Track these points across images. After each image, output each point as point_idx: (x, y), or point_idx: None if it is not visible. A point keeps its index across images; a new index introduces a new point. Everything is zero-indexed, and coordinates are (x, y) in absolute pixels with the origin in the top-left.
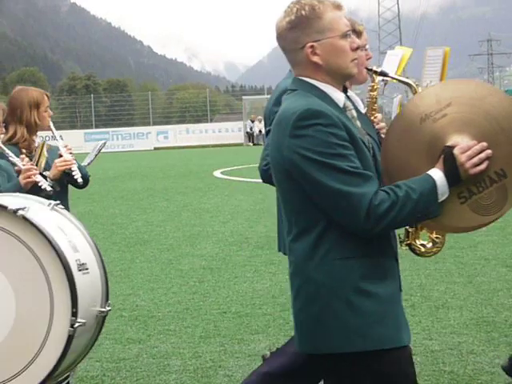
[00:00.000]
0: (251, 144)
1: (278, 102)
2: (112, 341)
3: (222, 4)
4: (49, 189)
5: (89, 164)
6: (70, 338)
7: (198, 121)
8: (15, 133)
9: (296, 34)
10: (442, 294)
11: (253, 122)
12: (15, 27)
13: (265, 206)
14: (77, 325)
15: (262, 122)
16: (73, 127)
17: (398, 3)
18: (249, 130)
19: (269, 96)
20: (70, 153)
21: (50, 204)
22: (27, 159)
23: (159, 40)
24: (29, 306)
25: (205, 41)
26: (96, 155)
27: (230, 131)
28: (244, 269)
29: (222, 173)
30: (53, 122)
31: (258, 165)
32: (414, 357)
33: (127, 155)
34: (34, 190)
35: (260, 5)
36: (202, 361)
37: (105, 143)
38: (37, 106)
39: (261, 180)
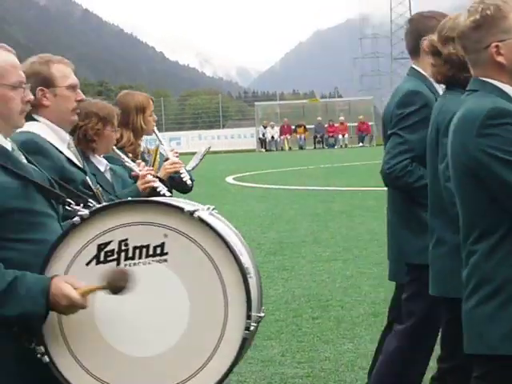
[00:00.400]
0: (264, 150)
1: (401, 104)
2: None
3: (234, 9)
4: (168, 194)
5: (193, 168)
6: (244, 341)
7: (211, 127)
8: (121, 137)
9: (481, 33)
10: None
11: (265, 127)
12: (28, 34)
13: (277, 212)
14: (252, 328)
15: (275, 128)
16: None
17: (410, 9)
18: (261, 135)
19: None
20: (177, 156)
21: (208, 208)
22: (143, 164)
23: (171, 46)
24: (202, 308)
25: (217, 46)
26: (201, 159)
27: (242, 137)
28: None
29: (234, 179)
30: None
31: (270, 171)
32: None
33: None
34: (150, 195)
35: (272, 10)
36: None
37: (209, 148)
38: (143, 110)
39: (274, 186)
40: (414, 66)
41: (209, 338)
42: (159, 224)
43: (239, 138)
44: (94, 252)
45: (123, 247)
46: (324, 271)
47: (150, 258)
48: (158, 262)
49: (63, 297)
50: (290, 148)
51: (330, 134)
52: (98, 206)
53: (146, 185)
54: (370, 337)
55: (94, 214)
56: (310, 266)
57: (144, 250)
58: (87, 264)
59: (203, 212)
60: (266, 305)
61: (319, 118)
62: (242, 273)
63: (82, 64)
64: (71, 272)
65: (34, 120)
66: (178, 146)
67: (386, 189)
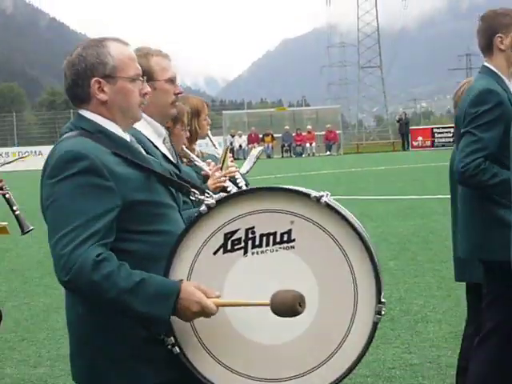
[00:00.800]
0: (231, 158)
1: (474, 103)
2: None
3: (202, 17)
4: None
5: (247, 172)
6: (375, 326)
7: None
8: None
9: None
10: (421, 308)
11: (233, 136)
12: None
13: None
14: (383, 312)
15: (243, 137)
16: (52, 142)
17: (377, 18)
18: (229, 144)
19: (249, 111)
20: (231, 161)
21: (327, 194)
22: (213, 163)
23: None
24: (331, 295)
25: (184, 55)
26: (254, 162)
27: (210, 146)
28: None
29: None
30: (32, 138)
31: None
32: (393, 370)
33: None
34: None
35: (240, 19)
36: None
37: (263, 150)
38: (197, 114)
39: None
40: (486, 63)
41: (338, 324)
42: (285, 211)
43: (207, 146)
44: (221, 241)
45: (250, 235)
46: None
47: (277, 245)
48: (286, 248)
49: (195, 303)
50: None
51: (298, 143)
52: (224, 194)
53: (217, 184)
54: None
55: (221, 202)
56: None
57: (271, 237)
58: (214, 253)
59: (326, 198)
60: None
61: (287, 127)
62: (370, 258)
63: (49, 73)
64: (198, 261)
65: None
66: (4, 161)
67: (352, 197)
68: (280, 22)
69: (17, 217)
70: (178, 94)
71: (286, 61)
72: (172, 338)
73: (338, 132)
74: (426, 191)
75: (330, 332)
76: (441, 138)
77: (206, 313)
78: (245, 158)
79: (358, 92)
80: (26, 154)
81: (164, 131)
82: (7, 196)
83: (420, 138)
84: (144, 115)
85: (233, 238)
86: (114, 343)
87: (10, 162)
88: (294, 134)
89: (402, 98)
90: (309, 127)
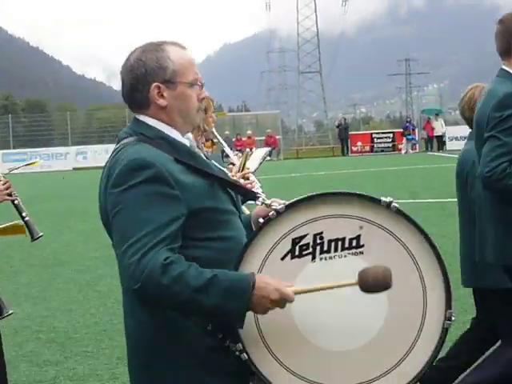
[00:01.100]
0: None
1: (499, 107)
2: (29, 363)
3: (141, 22)
4: (262, 194)
5: (255, 171)
6: (445, 332)
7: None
8: None
9: None
10: None
11: None
12: None
13: None
14: (453, 318)
15: None
16: None
17: (316, 23)
18: (248, 150)
19: None
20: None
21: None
22: (235, 169)
23: (78, 60)
24: (400, 301)
25: (124, 60)
26: (260, 163)
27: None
28: None
29: None
30: None
31: None
32: None
33: (45, 176)
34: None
35: (180, 23)
36: (120, 382)
37: (271, 151)
38: (205, 111)
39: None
40: (504, 67)
41: (406, 332)
42: (354, 216)
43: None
44: (289, 246)
45: (318, 240)
46: None
47: (346, 251)
48: (354, 254)
49: (274, 290)
50: None
51: (238, 148)
52: (293, 200)
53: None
54: None
55: (289, 207)
56: None
57: (339, 242)
58: (282, 258)
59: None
60: None
61: (227, 132)
62: (440, 264)
63: None
64: (266, 266)
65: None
66: (84, 160)
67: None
68: (220, 27)
69: (26, 223)
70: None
71: (226, 66)
72: (240, 344)
73: (277, 137)
74: None
75: (398, 340)
76: (380, 143)
77: (283, 300)
78: None
79: (297, 97)
80: (35, 159)
81: (191, 136)
82: (16, 202)
83: (359, 144)
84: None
85: (301, 244)
86: (179, 352)
87: (18, 168)
88: (234, 139)
89: (341, 103)
90: (249, 132)
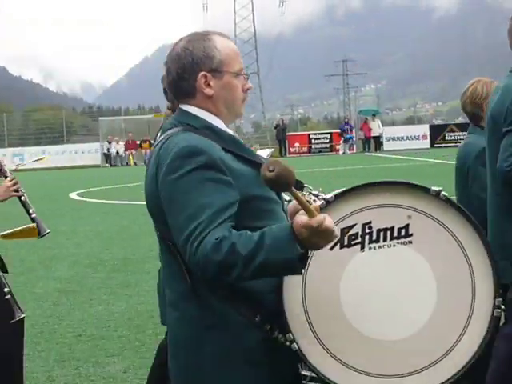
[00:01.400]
0: (108, 165)
1: None
2: None
3: (78, 22)
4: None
5: None
6: (496, 321)
7: (55, 142)
8: None
9: None
10: None
11: (110, 143)
12: None
13: (121, 228)
14: (502, 307)
15: (120, 143)
16: None
17: (253, 24)
18: (106, 151)
19: (126, 117)
20: None
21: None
22: None
23: (14, 61)
24: (449, 290)
25: (60, 61)
26: None
27: (86, 152)
28: (100, 291)
29: (78, 194)
30: None
31: (115, 186)
32: None
33: None
34: None
35: (117, 24)
36: None
37: (273, 151)
38: None
39: (119, 201)
40: None
41: (455, 321)
42: (403, 205)
43: (83, 153)
44: (338, 236)
45: (367, 230)
46: None
47: (395, 241)
48: (403, 243)
49: (302, 228)
50: (135, 163)
51: None
52: (342, 189)
53: None
54: None
55: (339, 197)
56: (154, 281)
57: (388, 232)
58: (331, 248)
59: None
60: (109, 322)
61: None
62: (488, 253)
63: None
64: (315, 256)
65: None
66: (21, 162)
67: None
68: (157, 28)
69: (33, 220)
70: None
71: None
72: (290, 334)
73: None
74: None
75: (447, 330)
76: (317, 144)
77: (313, 228)
78: (122, 165)
79: None
80: (45, 154)
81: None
82: (23, 198)
83: (297, 144)
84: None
85: (350, 233)
86: (226, 346)
87: (25, 164)
88: None
89: (279, 104)
90: None
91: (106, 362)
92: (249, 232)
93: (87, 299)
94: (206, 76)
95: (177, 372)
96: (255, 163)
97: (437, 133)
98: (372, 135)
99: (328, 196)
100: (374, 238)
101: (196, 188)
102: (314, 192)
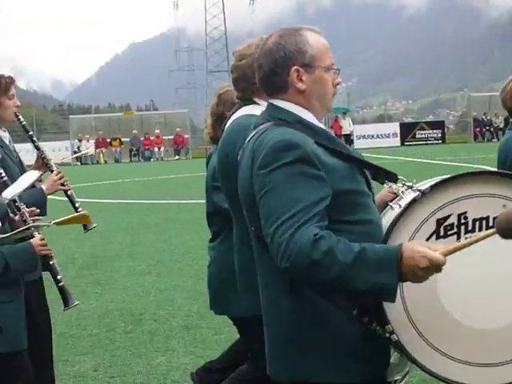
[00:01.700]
0: (79, 163)
1: None
2: None
3: (48, 21)
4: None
5: None
6: None
7: (25, 140)
8: None
9: None
10: None
11: (80, 141)
12: None
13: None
14: None
15: (90, 141)
16: None
17: (224, 22)
18: (76, 149)
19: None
20: None
21: None
22: None
23: None
24: None
25: (30, 59)
26: None
27: (57, 151)
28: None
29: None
30: None
31: (85, 184)
32: None
33: None
34: None
35: (87, 22)
36: None
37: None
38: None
39: (89, 200)
40: None
41: None
42: (497, 195)
43: (54, 151)
44: (434, 227)
45: (463, 220)
46: (138, 285)
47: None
48: None
49: (421, 258)
50: (105, 161)
51: (146, 147)
52: (437, 180)
53: None
54: (182, 350)
55: (434, 188)
56: (124, 279)
57: (484, 221)
58: (427, 239)
59: None
60: (79, 320)
61: (135, 131)
62: None
63: None
64: None
65: (255, 103)
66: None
67: (200, 201)
68: (128, 26)
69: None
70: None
71: (135, 65)
72: (389, 326)
73: (186, 136)
74: None
75: None
76: None
77: (434, 265)
78: (92, 163)
79: (206, 96)
80: (91, 148)
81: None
82: (69, 192)
83: None
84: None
85: (445, 224)
86: (326, 340)
87: (75, 156)
88: (142, 139)
89: None
90: (157, 131)
91: (76, 361)
92: (346, 240)
93: (57, 298)
94: (298, 71)
95: (281, 366)
96: (348, 156)
97: (407, 131)
98: (343, 133)
99: (423, 187)
100: (470, 228)
101: (289, 182)
102: (407, 184)
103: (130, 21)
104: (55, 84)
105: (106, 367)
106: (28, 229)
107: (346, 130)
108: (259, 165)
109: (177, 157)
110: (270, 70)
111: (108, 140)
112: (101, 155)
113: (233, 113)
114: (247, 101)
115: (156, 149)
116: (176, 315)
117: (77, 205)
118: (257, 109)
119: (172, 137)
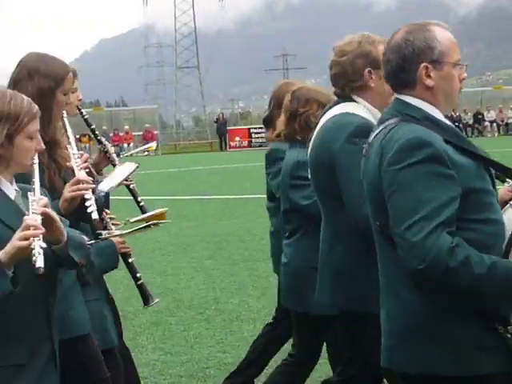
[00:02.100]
0: None
1: None
2: None
3: (14, 17)
4: None
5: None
6: None
7: None
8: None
9: None
10: (236, 307)
11: None
12: None
13: None
14: None
15: None
16: None
17: (194, 19)
18: None
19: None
20: None
21: None
22: None
23: None
24: None
25: None
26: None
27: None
28: None
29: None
30: None
31: None
32: (208, 370)
33: None
34: None
35: (55, 18)
36: None
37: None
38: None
39: None
40: None
41: None
42: None
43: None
44: None
45: None
46: (106, 281)
47: None
48: None
49: None
50: None
51: (116, 143)
52: None
53: None
54: (151, 346)
55: None
56: None
57: None
58: None
59: None
60: None
61: (104, 127)
62: None
63: None
64: None
65: (353, 101)
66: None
67: (170, 197)
68: (96, 22)
69: (141, 208)
70: None
71: (104, 61)
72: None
73: (155, 132)
74: (243, 191)
75: None
76: (258, 138)
77: None
78: None
79: (175, 92)
80: (153, 144)
81: None
82: (131, 187)
83: (237, 139)
84: (365, 103)
85: None
86: (457, 330)
87: (137, 151)
88: (111, 135)
89: (220, 98)
90: (126, 127)
91: None
92: (476, 251)
93: None
94: (427, 67)
95: (403, 358)
96: (475, 155)
97: None
98: None
99: None
100: None
101: (420, 181)
102: None
103: (99, 17)
104: None
105: None
106: (148, 226)
107: None
108: (389, 161)
109: (146, 153)
110: (398, 65)
111: (77, 136)
112: None
113: (327, 109)
114: (345, 98)
115: (125, 145)
116: (144, 311)
117: (139, 199)
118: (355, 107)
119: (141, 133)
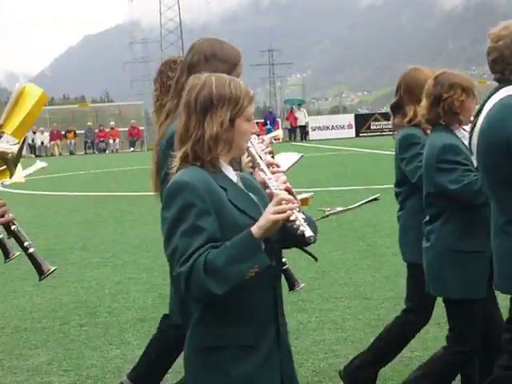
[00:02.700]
0: (33, 156)
1: None
2: None
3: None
4: None
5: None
6: None
7: None
8: (415, 114)
9: None
10: None
11: (34, 133)
12: None
13: (46, 219)
14: None
15: (45, 133)
16: None
17: (179, 14)
18: (30, 141)
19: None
20: None
21: None
22: None
23: None
24: None
25: None
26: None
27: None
28: (23, 283)
29: (1, 185)
30: None
31: (39, 177)
32: None
33: None
34: None
35: (40, 13)
36: None
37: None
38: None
39: (44, 192)
40: None
41: None
42: None
43: (8, 143)
44: None
45: None
46: (93, 277)
47: None
48: None
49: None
50: (60, 153)
51: (101, 139)
52: None
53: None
54: (137, 342)
55: None
56: (79, 272)
57: None
58: None
59: None
60: (33, 313)
61: (90, 123)
62: None
63: None
64: None
65: None
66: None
67: (154, 193)
68: (82, 18)
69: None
70: None
71: (89, 57)
72: None
73: (141, 128)
74: None
75: None
76: None
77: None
78: (47, 155)
79: None
80: (278, 132)
81: None
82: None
83: None
84: None
85: None
86: None
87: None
88: (96, 131)
89: None
90: (112, 123)
91: (30, 355)
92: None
93: (10, 291)
94: None
95: None
96: None
97: (362, 122)
98: (298, 125)
99: None
100: None
101: None
102: None
103: (84, 12)
104: (9, 76)
105: (60, 360)
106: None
107: (301, 122)
108: None
109: (132, 149)
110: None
111: (63, 132)
112: (55, 147)
113: (490, 95)
114: (506, 82)
115: (111, 141)
116: (131, 308)
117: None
118: None
119: (127, 129)
